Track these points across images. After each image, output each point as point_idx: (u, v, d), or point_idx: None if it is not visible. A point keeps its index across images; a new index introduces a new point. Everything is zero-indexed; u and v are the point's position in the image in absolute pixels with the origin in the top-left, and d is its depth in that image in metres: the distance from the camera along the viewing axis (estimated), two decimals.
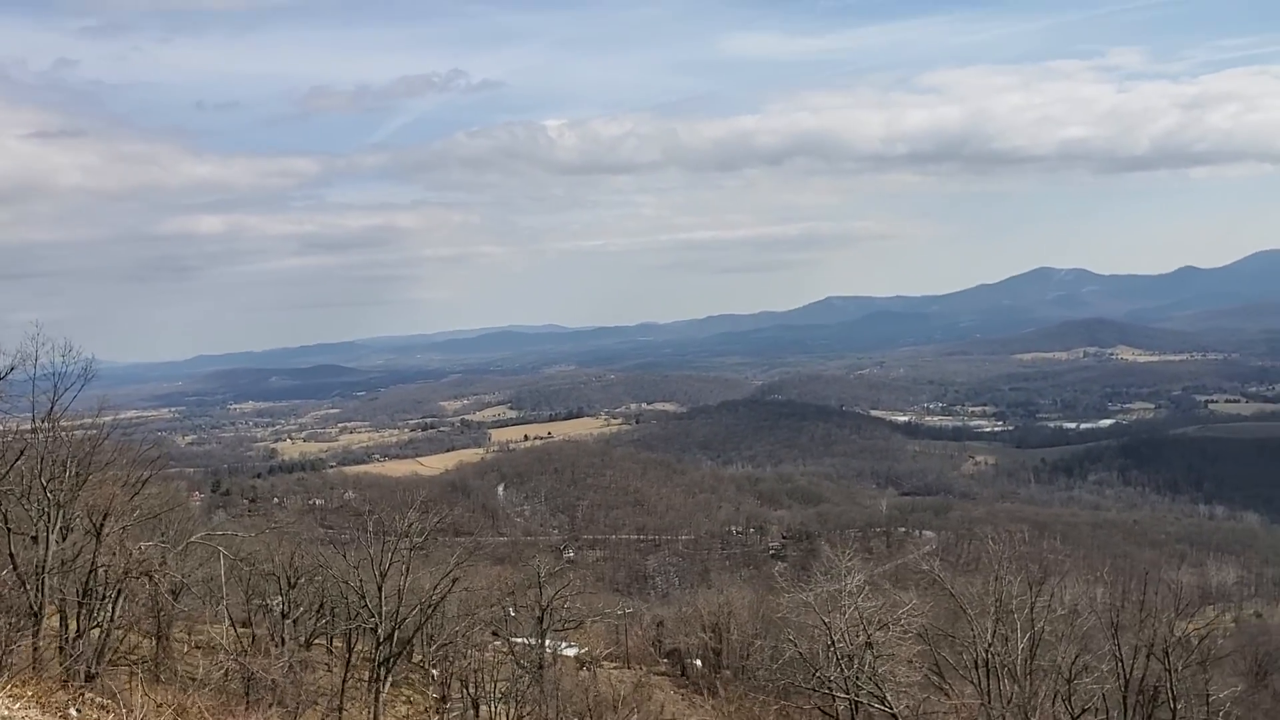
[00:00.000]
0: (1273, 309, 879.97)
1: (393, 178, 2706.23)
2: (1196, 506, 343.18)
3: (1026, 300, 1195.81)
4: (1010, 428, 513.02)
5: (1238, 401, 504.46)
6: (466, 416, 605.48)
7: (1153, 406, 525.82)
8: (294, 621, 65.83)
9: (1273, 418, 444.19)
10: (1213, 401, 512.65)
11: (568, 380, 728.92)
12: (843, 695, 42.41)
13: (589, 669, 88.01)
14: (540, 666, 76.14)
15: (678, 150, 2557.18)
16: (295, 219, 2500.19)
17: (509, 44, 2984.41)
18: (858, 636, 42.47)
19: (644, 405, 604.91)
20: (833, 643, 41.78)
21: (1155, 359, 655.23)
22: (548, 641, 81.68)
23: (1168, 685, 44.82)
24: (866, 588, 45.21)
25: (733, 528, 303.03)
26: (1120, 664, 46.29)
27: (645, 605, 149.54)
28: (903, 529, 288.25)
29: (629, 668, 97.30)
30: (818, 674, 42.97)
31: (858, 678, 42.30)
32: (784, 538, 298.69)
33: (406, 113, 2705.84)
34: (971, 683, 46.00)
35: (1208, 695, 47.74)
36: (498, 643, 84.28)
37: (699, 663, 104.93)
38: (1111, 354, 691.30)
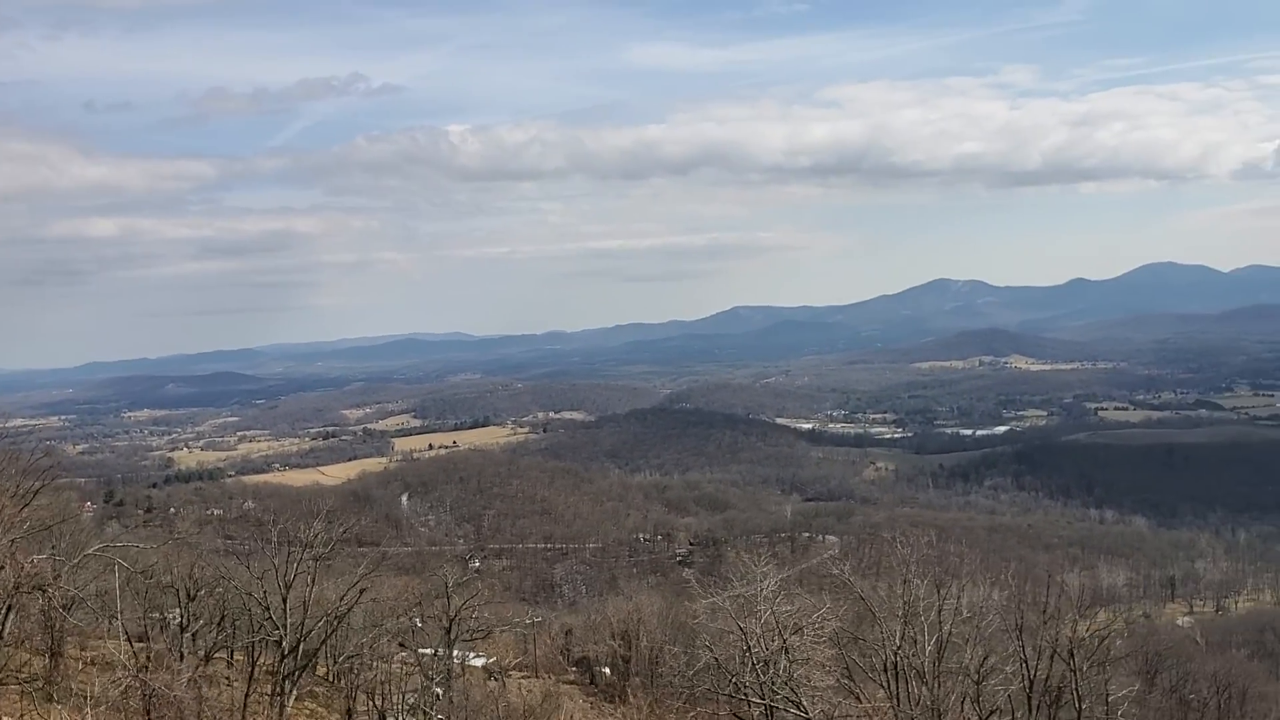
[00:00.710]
0: (1159, 319, 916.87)
1: (292, 182, 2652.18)
2: (1088, 511, 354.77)
3: (925, 310, 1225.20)
4: (910, 434, 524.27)
5: (1126, 409, 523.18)
6: (369, 425, 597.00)
7: (1045, 414, 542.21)
8: (193, 635, 63.84)
9: (1159, 425, 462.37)
10: (1102, 409, 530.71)
11: (473, 389, 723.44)
12: (758, 701, 42.67)
13: (497, 679, 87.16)
14: (448, 677, 75.16)
15: (584, 158, 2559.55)
16: (192, 223, 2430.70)
17: (412, 49, 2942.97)
18: (773, 641, 42.79)
19: (552, 414, 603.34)
20: (749, 648, 42.01)
21: (1047, 368, 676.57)
22: (455, 652, 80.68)
23: (1072, 685, 46.18)
24: (782, 592, 45.57)
25: (640, 535, 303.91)
26: (1025, 665, 47.56)
27: (553, 614, 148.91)
28: (807, 534, 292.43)
29: (538, 677, 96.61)
30: (733, 680, 43.16)
31: (773, 683, 42.58)
32: (691, 544, 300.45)
33: (306, 116, 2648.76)
34: (881, 686, 46.72)
35: (1107, 695, 49.28)
36: (404, 654, 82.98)
37: (608, 670, 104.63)
38: (1006, 363, 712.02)
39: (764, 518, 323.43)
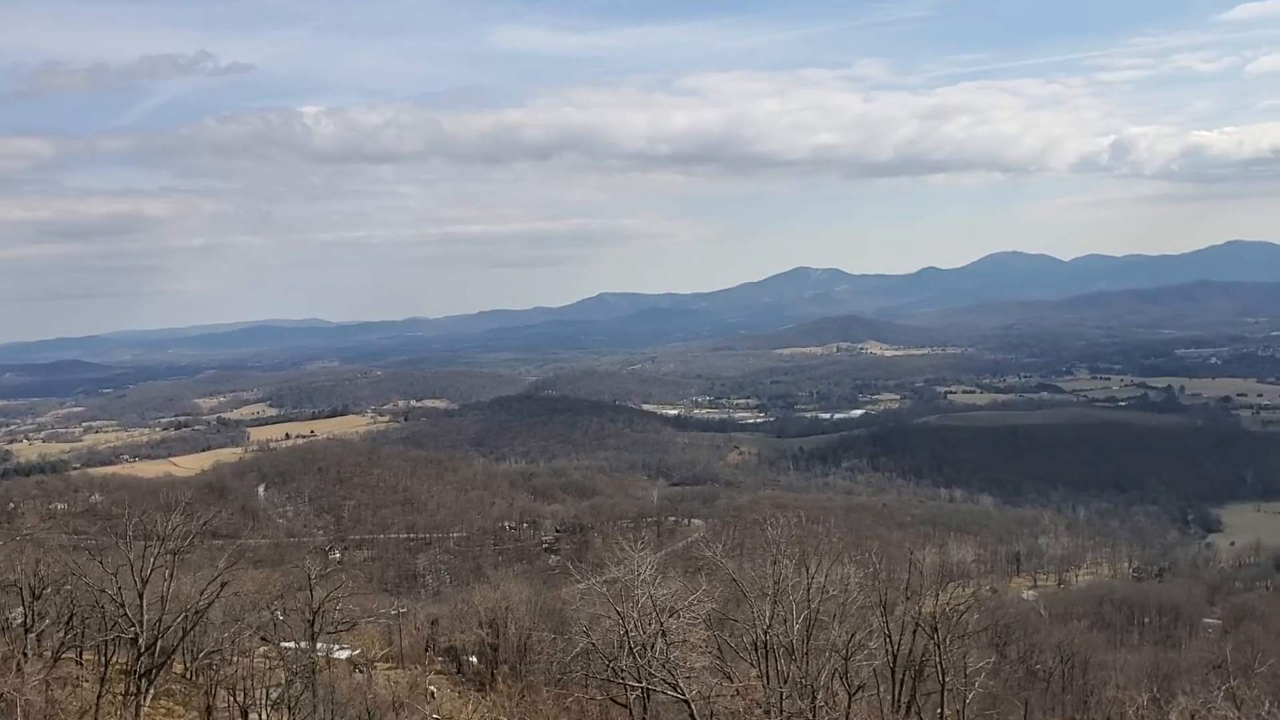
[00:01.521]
0: (1004, 307, 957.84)
1: (138, 163, 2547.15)
2: (938, 490, 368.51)
3: (786, 298, 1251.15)
4: (772, 419, 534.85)
5: (974, 393, 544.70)
6: (223, 414, 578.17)
7: (899, 398, 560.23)
8: (38, 635, 60.79)
9: (1005, 407, 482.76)
10: (951, 393, 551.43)
11: (331, 377, 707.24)
12: (635, 684, 42.95)
13: (363, 671, 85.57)
14: (312, 671, 73.41)
15: (443, 141, 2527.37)
16: (28, 204, 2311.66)
17: (266, 28, 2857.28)
18: (650, 625, 43.10)
19: (413, 402, 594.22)
20: (626, 632, 42.21)
21: (901, 353, 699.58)
22: (319, 645, 78.84)
23: (936, 658, 47.95)
24: (659, 575, 45.96)
25: (506, 523, 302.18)
26: (889, 640, 49.16)
27: (418, 604, 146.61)
28: (673, 518, 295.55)
29: (404, 668, 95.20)
30: (611, 664, 43.32)
31: (650, 666, 42.90)
32: (558, 531, 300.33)
33: (153, 95, 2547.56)
34: (752, 664, 47.62)
35: (965, 667, 51.31)
36: (266, 648, 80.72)
37: (475, 659, 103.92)
38: (862, 349, 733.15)
39: (631, 503, 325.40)
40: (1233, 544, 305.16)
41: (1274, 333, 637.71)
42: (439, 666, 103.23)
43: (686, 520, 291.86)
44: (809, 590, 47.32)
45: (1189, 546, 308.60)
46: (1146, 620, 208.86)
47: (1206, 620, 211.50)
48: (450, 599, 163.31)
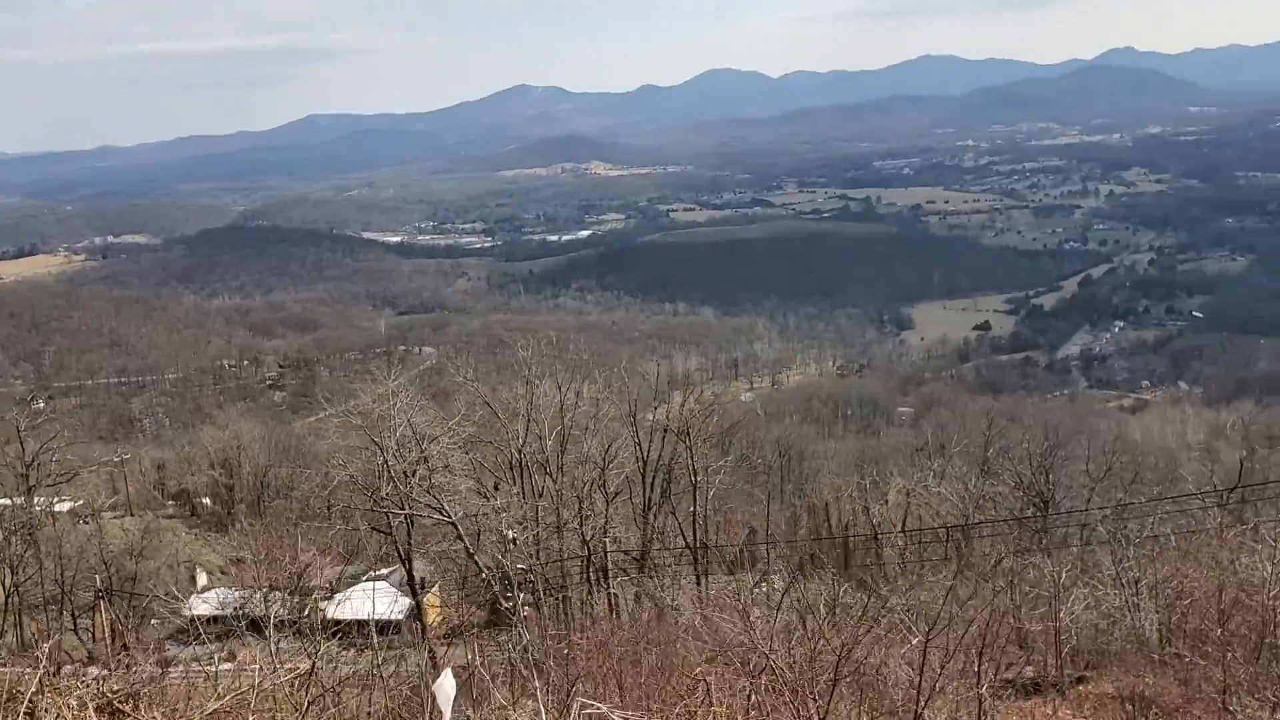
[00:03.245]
0: (719, 124, 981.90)
1: None
2: (663, 305, 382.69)
3: (507, 118, 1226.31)
4: (499, 243, 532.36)
5: (694, 210, 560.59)
6: None
7: (623, 217, 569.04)
8: None
9: (722, 223, 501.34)
10: (673, 211, 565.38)
11: (12, 214, 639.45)
12: (398, 512, 43.18)
13: (88, 522, 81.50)
14: (31, 528, 69.17)
15: None
16: None
17: None
18: (410, 453, 43.15)
19: (111, 238, 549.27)
20: (385, 461, 42.10)
21: (624, 173, 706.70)
22: (37, 499, 74.28)
23: (689, 459, 50.97)
24: (416, 404, 45.79)
25: (225, 362, 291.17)
26: (639, 448, 51.65)
27: (140, 449, 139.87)
28: (403, 347, 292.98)
29: (134, 515, 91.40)
30: (371, 494, 43.26)
31: (413, 492, 43.20)
32: (281, 367, 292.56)
33: None
34: (509, 483, 48.92)
35: (707, 466, 54.79)
36: None
37: (209, 501, 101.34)
38: (586, 169, 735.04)
39: (357, 334, 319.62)
40: (922, 339, 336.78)
41: (959, 143, 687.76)
42: (171, 511, 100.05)
43: (418, 349, 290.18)
44: (561, 408, 48.70)
45: (885, 344, 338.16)
46: (850, 412, 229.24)
47: (901, 409, 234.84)
48: (174, 442, 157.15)
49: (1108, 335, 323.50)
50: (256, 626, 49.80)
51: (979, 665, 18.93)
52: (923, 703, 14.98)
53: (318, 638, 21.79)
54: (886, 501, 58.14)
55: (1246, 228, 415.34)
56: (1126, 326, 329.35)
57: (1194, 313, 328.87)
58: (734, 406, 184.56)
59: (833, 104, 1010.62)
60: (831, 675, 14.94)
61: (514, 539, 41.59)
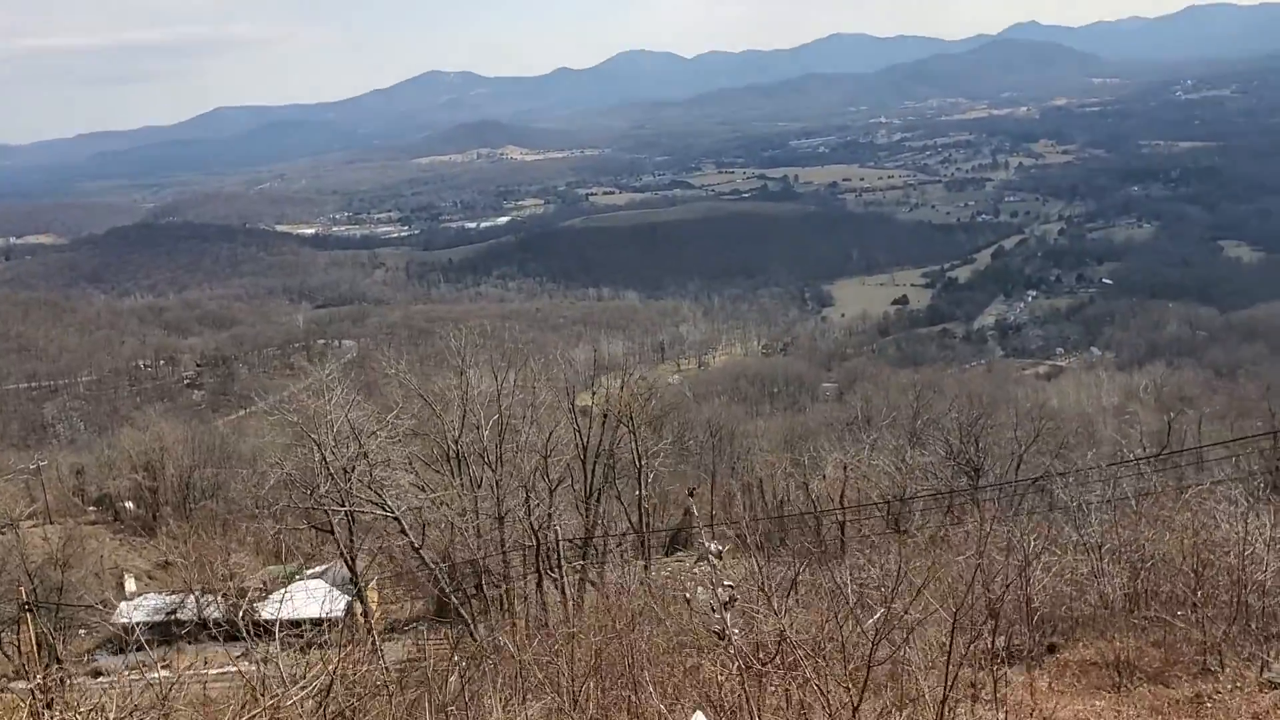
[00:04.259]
0: (635, 106, 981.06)
1: None
2: (587, 291, 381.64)
3: (419, 105, 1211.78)
4: (416, 232, 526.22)
5: (613, 193, 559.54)
6: None
7: (542, 202, 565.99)
8: None
9: (642, 206, 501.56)
10: (593, 194, 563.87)
11: None
12: (338, 509, 42.42)
13: (9, 532, 78.91)
14: None
15: None
16: None
17: None
18: (349, 448, 42.38)
19: (13, 239, 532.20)
20: (324, 458, 41.28)
21: (541, 157, 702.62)
22: None
23: (633, 443, 50.90)
24: (353, 399, 44.95)
25: (140, 362, 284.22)
26: (578, 433, 51.44)
27: (56, 455, 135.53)
28: (323, 341, 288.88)
29: (54, 523, 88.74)
30: (310, 492, 42.41)
31: (352, 488, 42.47)
32: (199, 365, 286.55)
33: None
34: (450, 475, 48.37)
35: (649, 450, 54.82)
36: None
37: (132, 505, 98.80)
38: (502, 154, 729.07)
39: (275, 330, 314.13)
40: (843, 316, 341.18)
41: (872, 120, 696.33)
42: (93, 517, 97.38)
43: (338, 342, 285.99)
44: (498, 396, 48.25)
45: (808, 322, 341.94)
46: (776, 391, 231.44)
47: (825, 385, 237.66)
48: (92, 446, 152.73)
49: (1021, 304, 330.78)
50: (192, 631, 48.77)
51: (992, 640, 19.15)
52: (949, 682, 14.89)
53: (268, 640, 21.20)
54: (824, 477, 58.82)
55: (1151, 195, 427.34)
56: (1039, 295, 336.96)
57: (1104, 280, 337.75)
58: (663, 389, 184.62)
59: (747, 84, 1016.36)
60: (865, 659, 14.73)
61: (461, 530, 41.20)
